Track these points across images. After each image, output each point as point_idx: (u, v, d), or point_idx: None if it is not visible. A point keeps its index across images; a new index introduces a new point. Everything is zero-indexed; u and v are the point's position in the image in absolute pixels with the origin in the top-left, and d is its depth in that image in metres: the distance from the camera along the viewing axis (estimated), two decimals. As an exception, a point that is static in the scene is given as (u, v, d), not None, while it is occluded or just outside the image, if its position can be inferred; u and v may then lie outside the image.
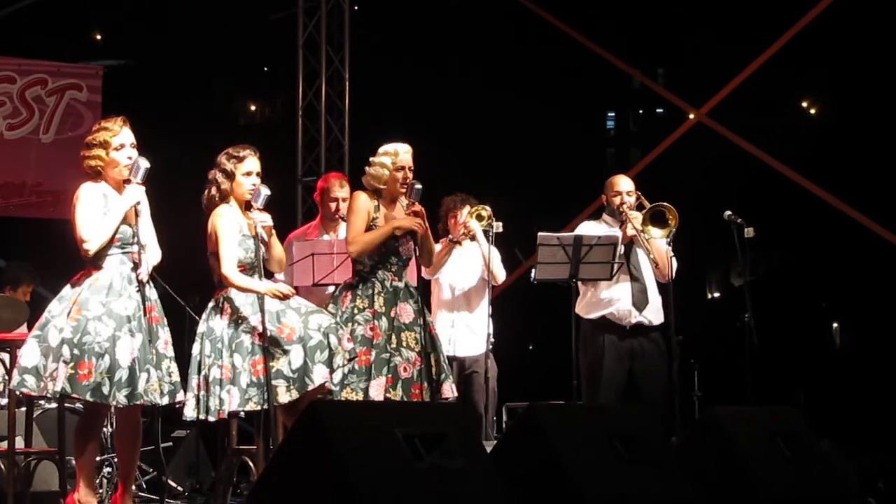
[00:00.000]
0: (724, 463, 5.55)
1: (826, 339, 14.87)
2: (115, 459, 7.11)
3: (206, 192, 6.43)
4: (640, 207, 8.03)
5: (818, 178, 12.02)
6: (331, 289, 7.42)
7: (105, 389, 5.84)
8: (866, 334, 13.81)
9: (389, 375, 6.61)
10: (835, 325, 14.99)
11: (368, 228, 6.77)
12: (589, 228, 8.09)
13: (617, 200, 8.05)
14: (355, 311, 6.70)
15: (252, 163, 6.42)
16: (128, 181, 6.03)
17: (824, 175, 12.20)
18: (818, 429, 6.18)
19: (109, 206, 5.99)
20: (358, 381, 6.57)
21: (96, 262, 5.98)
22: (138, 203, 6.04)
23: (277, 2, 12.58)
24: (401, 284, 6.82)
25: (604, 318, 7.99)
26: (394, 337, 6.68)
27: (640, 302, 7.95)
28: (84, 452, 6.06)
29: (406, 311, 6.78)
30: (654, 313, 7.96)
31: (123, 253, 6.02)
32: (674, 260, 8.01)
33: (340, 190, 7.94)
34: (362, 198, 6.84)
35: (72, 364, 5.81)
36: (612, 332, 7.96)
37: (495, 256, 8.58)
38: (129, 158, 6.02)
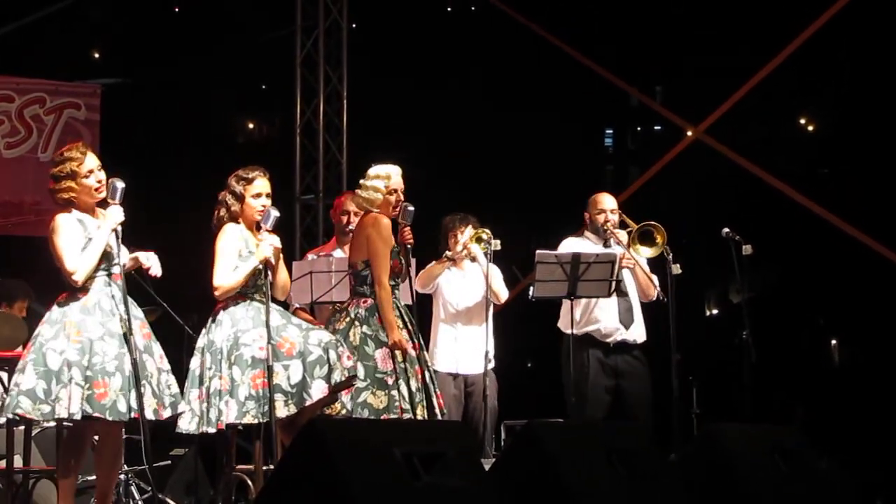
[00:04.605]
0: (723, 480, 5.54)
1: (825, 356, 14.85)
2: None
3: (215, 212, 6.45)
4: (622, 225, 8.08)
5: (816, 195, 12.03)
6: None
7: (122, 407, 5.87)
8: (865, 351, 13.78)
9: (437, 392, 6.73)
10: (833, 341, 14.96)
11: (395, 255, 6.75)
12: (573, 245, 8.12)
13: (601, 218, 8.11)
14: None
15: (261, 184, 6.47)
16: (105, 203, 6.04)
17: (822, 192, 12.20)
18: (817, 445, 6.16)
19: (88, 230, 5.99)
20: (422, 399, 6.63)
21: (83, 285, 5.99)
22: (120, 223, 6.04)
23: (276, 20, 12.59)
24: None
25: (588, 335, 8.02)
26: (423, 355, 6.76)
27: (627, 320, 8.00)
28: (70, 473, 6.05)
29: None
30: (638, 331, 8.01)
31: (108, 274, 6.04)
32: (654, 279, 8.05)
33: (352, 204, 7.96)
34: (386, 223, 6.74)
35: (87, 385, 5.82)
36: (596, 348, 7.99)
37: (497, 275, 8.55)
38: (99, 182, 6.02)
